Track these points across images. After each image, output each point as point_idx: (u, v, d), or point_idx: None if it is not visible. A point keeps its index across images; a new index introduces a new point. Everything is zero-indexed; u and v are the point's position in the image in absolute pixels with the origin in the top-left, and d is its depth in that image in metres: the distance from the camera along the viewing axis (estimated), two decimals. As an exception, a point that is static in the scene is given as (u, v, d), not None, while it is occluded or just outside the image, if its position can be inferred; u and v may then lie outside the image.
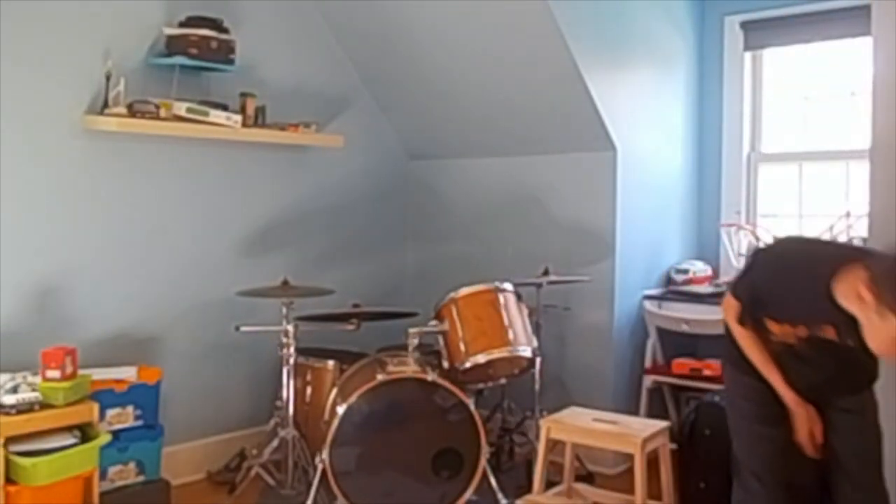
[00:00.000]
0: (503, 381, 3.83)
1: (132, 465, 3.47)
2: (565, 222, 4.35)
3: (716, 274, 4.62)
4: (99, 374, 3.40)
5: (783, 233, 4.46)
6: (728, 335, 2.55)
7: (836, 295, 2.11)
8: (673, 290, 4.45)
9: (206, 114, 3.72)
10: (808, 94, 4.61)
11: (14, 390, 3.09)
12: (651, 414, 4.09)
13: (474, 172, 4.73)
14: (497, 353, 3.55)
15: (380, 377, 3.32)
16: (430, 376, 3.33)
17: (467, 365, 3.54)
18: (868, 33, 2.96)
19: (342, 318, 3.81)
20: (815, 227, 4.29)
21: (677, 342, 4.28)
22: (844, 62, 4.40)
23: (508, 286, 3.72)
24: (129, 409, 3.48)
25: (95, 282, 3.67)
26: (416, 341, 3.49)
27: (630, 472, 3.27)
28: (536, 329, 3.82)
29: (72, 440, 3.14)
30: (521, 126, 4.31)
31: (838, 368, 2.41)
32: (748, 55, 4.67)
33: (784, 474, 2.49)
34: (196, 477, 3.96)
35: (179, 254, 3.95)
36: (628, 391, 4.27)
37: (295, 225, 4.40)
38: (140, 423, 3.51)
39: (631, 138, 4.24)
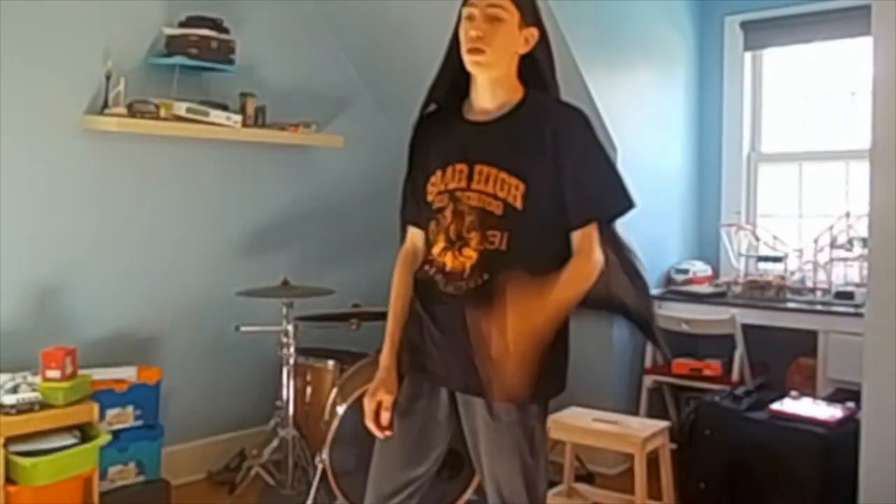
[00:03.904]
0: (503, 381, 3.82)
1: (132, 465, 3.47)
2: (565, 222, 4.35)
3: (716, 274, 4.62)
4: (99, 374, 3.40)
5: (783, 233, 4.47)
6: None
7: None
8: (673, 289, 4.45)
9: (207, 114, 3.72)
10: (808, 94, 4.61)
11: (14, 390, 3.09)
12: (651, 414, 4.09)
13: (474, 172, 4.72)
14: (497, 353, 3.55)
15: (380, 377, 3.32)
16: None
17: (467, 365, 3.53)
18: (868, 33, 2.96)
19: (342, 318, 3.81)
20: (815, 227, 4.29)
21: (677, 342, 4.27)
22: (844, 62, 4.40)
23: (508, 286, 3.71)
24: (129, 409, 3.48)
25: (95, 282, 3.67)
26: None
27: (630, 472, 3.27)
28: (536, 329, 3.81)
29: (72, 440, 3.14)
30: (521, 126, 4.31)
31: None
32: (748, 55, 4.67)
33: None
34: (196, 477, 3.96)
35: (179, 254, 3.95)
36: (628, 391, 4.28)
37: (295, 225, 4.40)
38: (140, 423, 3.51)
39: (631, 138, 4.23)
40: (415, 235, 2.11)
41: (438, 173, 1.97)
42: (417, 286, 2.05)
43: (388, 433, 2.01)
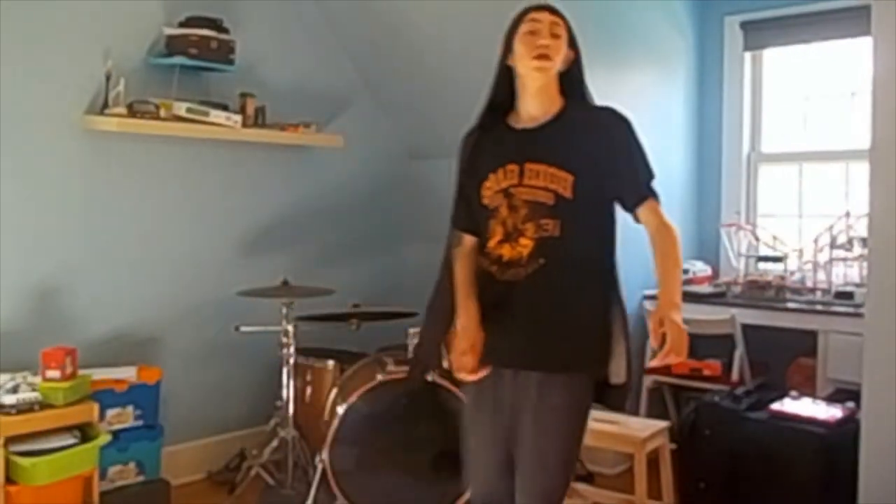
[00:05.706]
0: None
1: (132, 465, 3.47)
2: (565, 222, 4.34)
3: (715, 274, 4.62)
4: (99, 374, 3.40)
5: (783, 233, 4.47)
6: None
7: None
8: (673, 290, 4.44)
9: (206, 114, 3.73)
10: (807, 94, 4.61)
11: (14, 390, 3.09)
12: (651, 414, 4.09)
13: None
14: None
15: (379, 377, 3.32)
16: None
17: (467, 365, 3.54)
18: (868, 33, 2.96)
19: (342, 318, 3.81)
20: (814, 227, 4.29)
21: (677, 342, 4.27)
22: (844, 62, 4.40)
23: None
24: (129, 409, 3.49)
25: (95, 282, 3.67)
26: (415, 341, 3.49)
27: (630, 472, 3.27)
28: (536, 329, 3.81)
29: (72, 440, 3.14)
30: (520, 126, 4.31)
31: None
32: (748, 55, 4.67)
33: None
34: (196, 477, 3.97)
35: (179, 254, 3.95)
36: (628, 391, 4.27)
37: (295, 225, 4.40)
38: (140, 423, 3.51)
39: (631, 138, 4.23)
40: (465, 239, 2.30)
41: (491, 176, 2.20)
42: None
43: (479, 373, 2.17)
